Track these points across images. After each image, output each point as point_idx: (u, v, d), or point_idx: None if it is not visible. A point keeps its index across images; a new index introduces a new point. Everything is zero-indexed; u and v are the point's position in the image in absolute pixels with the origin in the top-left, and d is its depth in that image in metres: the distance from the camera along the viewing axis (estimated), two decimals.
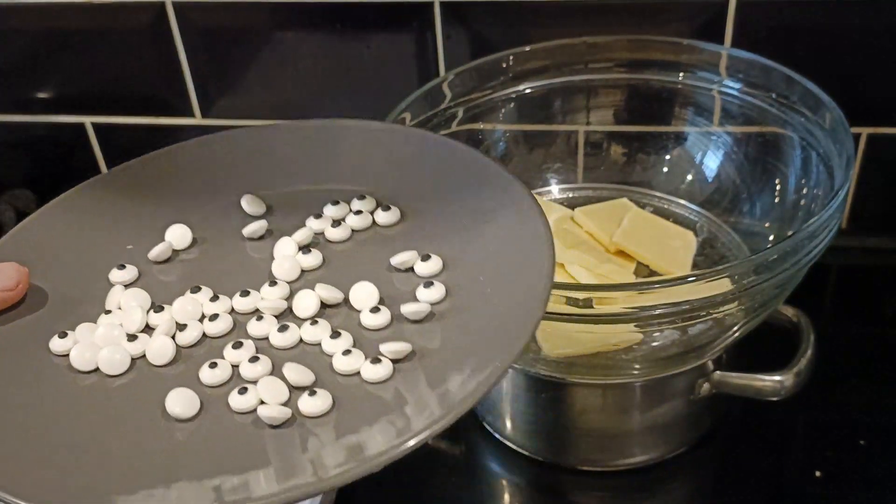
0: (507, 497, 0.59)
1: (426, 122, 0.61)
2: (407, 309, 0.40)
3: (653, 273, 0.59)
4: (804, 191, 0.58)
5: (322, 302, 0.42)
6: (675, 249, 0.60)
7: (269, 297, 0.43)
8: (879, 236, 0.74)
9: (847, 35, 0.66)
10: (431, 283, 0.42)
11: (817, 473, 0.56)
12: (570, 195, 0.68)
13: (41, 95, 0.79)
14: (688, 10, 0.67)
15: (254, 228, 0.46)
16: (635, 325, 0.49)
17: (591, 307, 0.45)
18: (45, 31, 0.75)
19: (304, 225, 0.47)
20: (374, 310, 0.41)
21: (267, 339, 0.41)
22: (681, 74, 0.63)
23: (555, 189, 0.68)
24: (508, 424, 0.59)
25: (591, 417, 0.56)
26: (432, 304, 0.41)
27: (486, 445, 0.60)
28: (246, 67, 0.75)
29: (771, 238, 0.60)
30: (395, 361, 0.39)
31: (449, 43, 0.70)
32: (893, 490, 0.55)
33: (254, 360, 0.39)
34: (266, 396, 0.37)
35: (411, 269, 0.43)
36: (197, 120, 0.78)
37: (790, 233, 0.48)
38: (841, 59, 0.67)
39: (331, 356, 0.39)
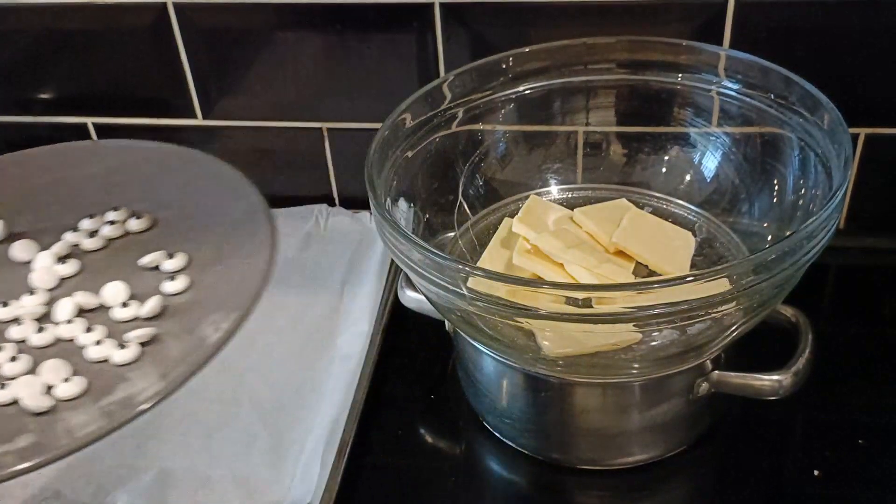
0: (507, 496, 0.59)
1: (426, 122, 0.61)
2: (146, 308, 0.49)
3: (652, 273, 0.59)
4: (802, 191, 0.58)
5: (80, 307, 0.50)
6: (673, 249, 0.60)
7: (27, 305, 0.50)
8: (878, 236, 0.74)
9: (845, 36, 0.66)
10: (174, 277, 0.50)
11: (816, 473, 0.56)
12: (570, 195, 0.68)
13: (43, 96, 0.79)
14: (687, 11, 0.67)
15: (15, 249, 0.53)
16: (634, 325, 0.50)
17: (591, 307, 0.46)
18: (46, 32, 0.75)
19: (61, 239, 0.54)
20: (124, 304, 0.49)
21: (26, 340, 0.48)
22: (680, 75, 0.63)
23: (554, 189, 0.68)
24: (508, 424, 0.59)
25: (591, 417, 0.56)
26: (176, 294, 0.50)
27: (486, 445, 0.60)
28: (247, 68, 0.75)
29: (769, 238, 0.60)
30: (143, 344, 0.48)
31: (449, 44, 0.71)
32: (893, 490, 0.55)
33: (13, 359, 0.46)
34: (25, 390, 0.44)
35: (157, 268, 0.52)
36: (198, 121, 0.78)
37: (789, 233, 0.48)
38: (839, 60, 0.68)
39: (85, 348, 0.47)
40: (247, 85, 0.76)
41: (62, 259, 0.53)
